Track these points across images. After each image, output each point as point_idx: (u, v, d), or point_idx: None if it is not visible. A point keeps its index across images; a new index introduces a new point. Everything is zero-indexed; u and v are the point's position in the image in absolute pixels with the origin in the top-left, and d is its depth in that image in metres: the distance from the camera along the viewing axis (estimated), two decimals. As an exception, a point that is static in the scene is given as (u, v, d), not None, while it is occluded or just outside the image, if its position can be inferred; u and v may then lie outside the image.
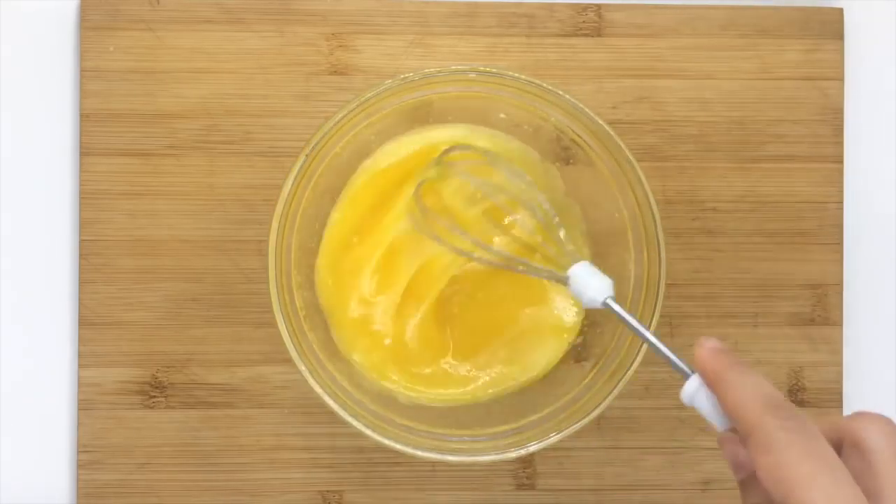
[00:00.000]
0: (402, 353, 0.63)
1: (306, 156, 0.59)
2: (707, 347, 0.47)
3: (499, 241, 0.62)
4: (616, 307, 0.53)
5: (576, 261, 0.55)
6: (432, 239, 0.60)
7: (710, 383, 0.46)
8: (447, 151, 0.61)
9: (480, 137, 0.64)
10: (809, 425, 0.42)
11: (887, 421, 0.44)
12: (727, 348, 0.47)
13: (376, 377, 0.63)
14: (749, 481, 0.46)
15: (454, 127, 0.64)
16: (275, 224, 0.58)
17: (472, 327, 0.64)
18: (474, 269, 0.64)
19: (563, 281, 0.55)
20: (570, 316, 0.64)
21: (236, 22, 0.68)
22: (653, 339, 0.51)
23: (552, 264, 0.57)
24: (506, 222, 0.62)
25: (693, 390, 0.47)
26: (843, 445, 0.44)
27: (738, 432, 0.44)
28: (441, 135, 0.63)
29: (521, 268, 0.59)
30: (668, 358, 0.49)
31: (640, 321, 0.52)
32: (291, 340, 0.58)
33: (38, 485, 0.67)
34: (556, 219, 0.58)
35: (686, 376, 0.48)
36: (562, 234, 0.57)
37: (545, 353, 0.64)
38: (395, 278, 0.63)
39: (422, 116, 0.63)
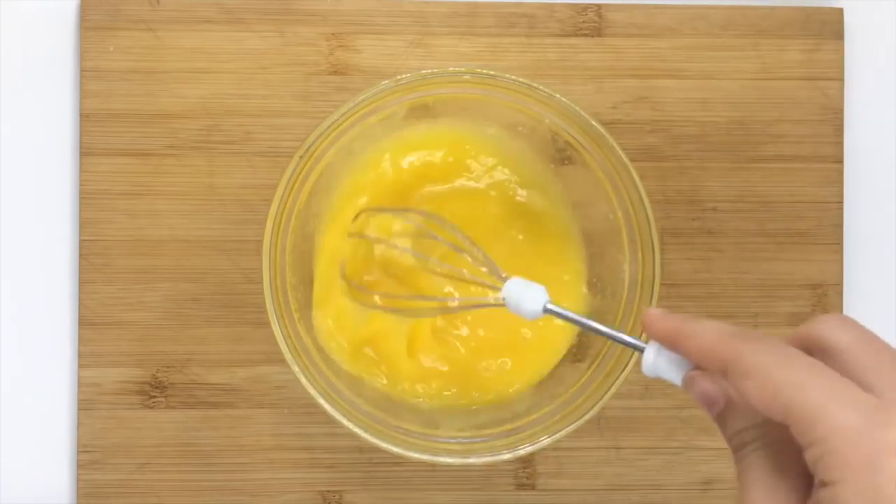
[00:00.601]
0: (396, 364, 0.63)
1: (300, 157, 0.59)
2: (653, 315, 0.47)
3: (431, 285, 0.62)
4: (555, 308, 0.52)
5: (504, 281, 0.54)
6: (373, 310, 0.61)
7: (670, 344, 0.46)
8: (355, 217, 0.62)
9: (475, 138, 0.64)
10: (777, 342, 0.42)
11: (844, 317, 0.44)
12: (669, 311, 0.47)
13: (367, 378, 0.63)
14: (725, 413, 0.45)
15: (452, 127, 0.64)
16: (269, 225, 0.59)
17: (471, 331, 0.64)
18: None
19: (501, 304, 0.55)
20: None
21: (236, 22, 0.68)
22: (601, 328, 0.51)
23: (489, 290, 0.57)
24: (435, 266, 0.62)
25: (653, 358, 0.47)
26: (813, 354, 0.43)
27: (714, 371, 0.44)
28: (438, 135, 0.63)
29: (456, 305, 0.59)
30: (620, 340, 0.50)
31: (580, 315, 0.52)
32: (285, 341, 0.59)
33: (38, 485, 0.67)
34: (471, 246, 0.58)
35: (641, 350, 0.48)
36: (486, 259, 0.57)
37: (543, 362, 0.64)
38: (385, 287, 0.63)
39: (418, 118, 0.63)
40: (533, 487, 0.68)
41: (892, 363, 0.42)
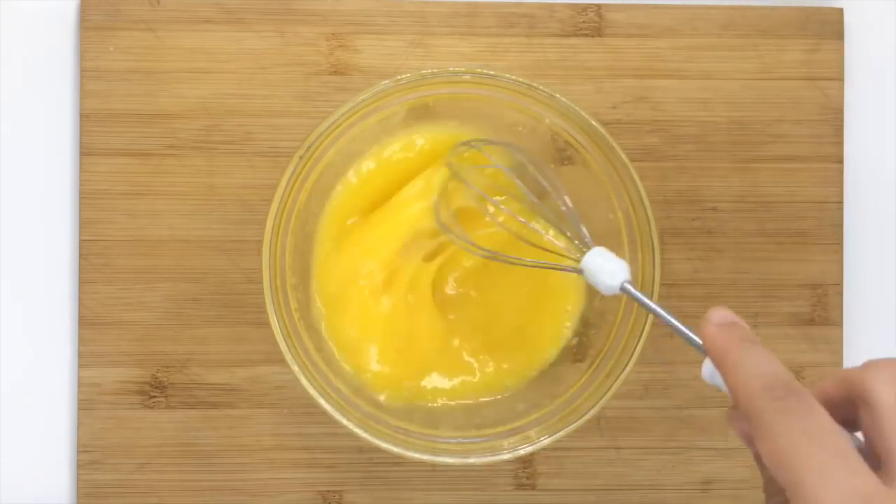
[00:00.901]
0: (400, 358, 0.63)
1: (300, 157, 0.59)
2: (712, 323, 0.45)
3: (505, 238, 0.62)
4: (631, 289, 0.52)
5: (590, 248, 0.54)
6: (457, 239, 0.59)
7: (717, 365, 0.45)
8: (464, 144, 0.61)
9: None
10: (807, 399, 0.41)
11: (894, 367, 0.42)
12: (733, 320, 0.45)
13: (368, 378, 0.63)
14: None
15: (448, 126, 0.64)
16: (269, 225, 0.59)
17: (473, 328, 0.64)
18: (472, 270, 0.64)
19: (579, 271, 0.54)
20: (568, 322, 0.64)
21: (236, 22, 0.68)
22: (672, 320, 0.49)
23: (565, 256, 0.56)
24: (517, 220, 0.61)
25: (711, 368, 0.46)
26: (856, 401, 0.42)
27: (743, 414, 0.43)
28: (434, 133, 0.63)
29: (530, 263, 0.58)
30: (686, 337, 0.48)
31: (656, 302, 0.51)
32: (285, 341, 0.59)
33: (38, 485, 0.67)
34: (567, 208, 0.58)
35: (704, 354, 0.46)
36: (574, 223, 0.57)
37: (544, 352, 0.64)
38: (395, 276, 0.63)
39: (418, 117, 0.63)
40: (533, 487, 0.68)
41: None
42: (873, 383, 0.41)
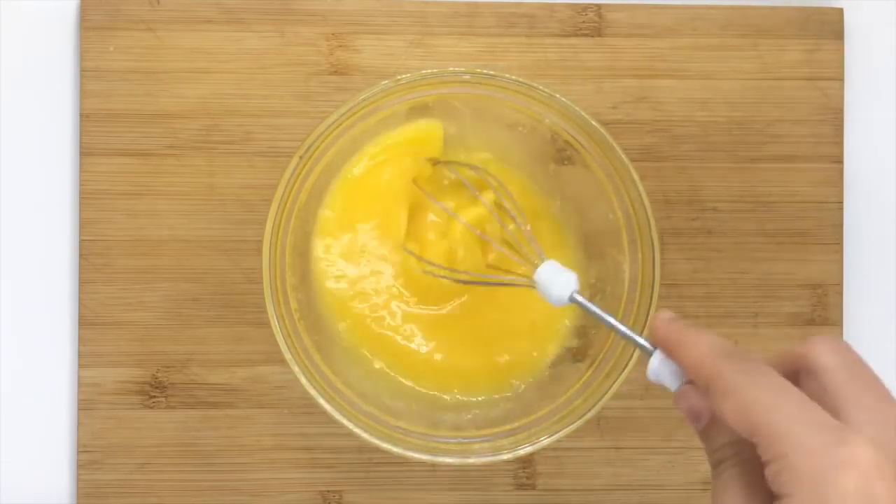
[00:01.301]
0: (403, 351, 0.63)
1: (300, 157, 0.59)
2: (661, 319, 0.49)
3: (466, 257, 0.63)
4: (580, 299, 0.54)
5: (541, 263, 0.55)
6: (420, 262, 0.61)
7: (669, 350, 0.48)
8: (429, 160, 0.62)
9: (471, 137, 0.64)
10: (762, 364, 0.44)
11: (836, 339, 0.45)
12: (679, 317, 0.49)
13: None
14: (709, 429, 0.47)
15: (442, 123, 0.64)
16: (269, 224, 0.59)
17: (473, 328, 0.64)
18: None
19: (531, 285, 0.56)
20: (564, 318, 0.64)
21: (236, 22, 0.68)
22: (617, 325, 0.52)
23: (522, 269, 0.58)
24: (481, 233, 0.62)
25: (657, 365, 0.49)
26: (800, 374, 0.45)
27: (699, 386, 0.46)
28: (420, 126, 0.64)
29: (487, 281, 0.60)
30: (633, 340, 0.51)
31: (604, 310, 0.53)
32: (285, 341, 0.59)
33: (38, 485, 0.67)
34: (521, 220, 0.60)
35: (649, 353, 0.49)
36: (529, 239, 0.58)
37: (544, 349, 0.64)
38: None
39: (417, 117, 0.63)
40: (533, 487, 0.68)
41: (866, 389, 0.44)
42: (817, 354, 0.45)
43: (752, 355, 0.45)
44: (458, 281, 0.61)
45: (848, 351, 0.45)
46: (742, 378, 0.43)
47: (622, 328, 0.52)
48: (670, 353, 0.48)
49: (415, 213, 0.64)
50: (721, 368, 0.44)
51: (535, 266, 0.55)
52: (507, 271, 0.60)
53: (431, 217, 0.64)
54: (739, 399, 0.43)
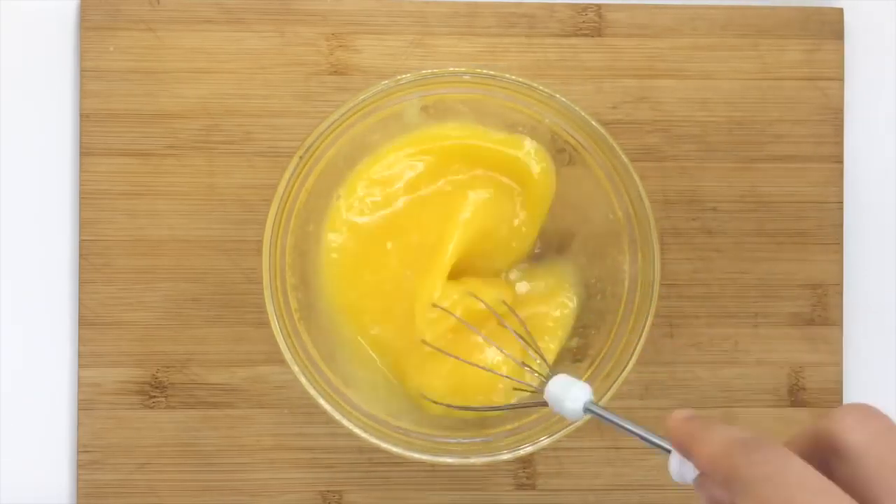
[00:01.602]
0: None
1: (300, 157, 0.59)
2: (676, 419, 0.46)
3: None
4: (597, 409, 0.52)
5: (549, 377, 0.54)
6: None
7: (685, 451, 0.45)
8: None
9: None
10: (782, 453, 0.40)
11: (865, 411, 0.41)
12: (694, 414, 0.46)
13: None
14: None
15: (449, 127, 0.64)
16: (269, 224, 0.59)
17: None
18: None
19: (543, 404, 0.54)
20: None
21: (236, 22, 0.68)
22: (639, 431, 0.49)
23: (532, 381, 0.57)
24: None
25: (678, 464, 0.46)
26: (828, 454, 0.41)
27: (719, 482, 0.42)
28: (437, 133, 0.63)
29: (504, 407, 0.59)
30: (652, 443, 0.48)
31: (622, 418, 0.50)
32: (285, 341, 0.59)
33: (38, 485, 0.67)
34: (528, 336, 0.59)
35: (668, 452, 0.47)
36: (539, 352, 0.58)
37: None
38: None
39: (417, 117, 0.63)
40: (533, 487, 0.68)
41: None
42: (843, 432, 0.41)
43: (768, 441, 0.41)
44: (484, 411, 0.60)
45: (877, 420, 0.40)
46: (760, 471, 0.39)
47: (642, 432, 0.49)
48: (685, 454, 0.45)
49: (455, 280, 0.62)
50: (737, 462, 0.40)
51: (544, 380, 0.54)
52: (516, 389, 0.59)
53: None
54: (760, 497, 0.39)
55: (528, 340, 0.59)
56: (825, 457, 0.41)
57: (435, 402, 0.61)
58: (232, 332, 0.67)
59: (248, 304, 0.67)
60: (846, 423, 0.41)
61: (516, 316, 0.60)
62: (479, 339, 0.61)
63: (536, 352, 0.58)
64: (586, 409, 0.52)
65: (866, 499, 0.39)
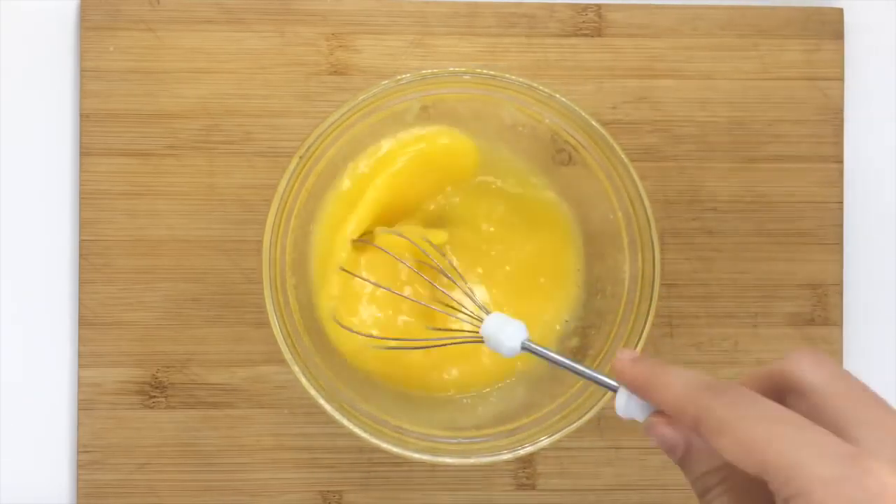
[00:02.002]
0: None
1: (300, 157, 0.59)
2: (622, 360, 0.47)
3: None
4: (532, 346, 0.52)
5: (487, 316, 0.54)
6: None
7: (641, 392, 0.46)
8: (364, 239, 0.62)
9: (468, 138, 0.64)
10: (747, 391, 0.42)
11: (816, 353, 0.43)
12: (641, 355, 0.47)
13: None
14: (687, 458, 0.45)
15: (445, 127, 0.64)
16: (269, 224, 0.59)
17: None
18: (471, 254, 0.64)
19: (480, 340, 0.54)
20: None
21: (236, 22, 0.68)
22: (575, 366, 0.50)
23: (470, 324, 0.57)
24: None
25: (625, 401, 0.47)
26: (785, 394, 0.43)
27: (687, 425, 0.43)
28: (430, 133, 0.63)
29: (434, 345, 0.59)
30: (595, 379, 0.49)
31: (558, 353, 0.52)
32: (285, 341, 0.59)
33: (38, 485, 0.67)
34: (460, 277, 0.59)
35: (614, 390, 0.48)
36: (471, 297, 0.57)
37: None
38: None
39: (417, 117, 0.63)
40: (533, 487, 0.68)
41: (865, 404, 0.41)
42: (801, 371, 0.42)
43: (730, 384, 0.42)
44: (409, 348, 0.60)
45: (831, 364, 0.42)
46: (735, 413, 0.40)
47: (582, 368, 0.50)
48: (643, 396, 0.46)
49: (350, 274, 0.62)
50: (707, 404, 0.41)
51: (478, 321, 0.54)
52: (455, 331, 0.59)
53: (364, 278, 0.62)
54: (737, 436, 0.40)
55: (457, 278, 0.59)
56: (780, 396, 0.42)
57: (343, 327, 0.60)
58: (232, 332, 0.67)
59: (248, 304, 0.67)
60: (803, 364, 0.42)
61: (444, 256, 0.60)
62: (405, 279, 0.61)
63: (466, 293, 0.58)
64: (524, 347, 0.53)
65: (830, 428, 0.40)
